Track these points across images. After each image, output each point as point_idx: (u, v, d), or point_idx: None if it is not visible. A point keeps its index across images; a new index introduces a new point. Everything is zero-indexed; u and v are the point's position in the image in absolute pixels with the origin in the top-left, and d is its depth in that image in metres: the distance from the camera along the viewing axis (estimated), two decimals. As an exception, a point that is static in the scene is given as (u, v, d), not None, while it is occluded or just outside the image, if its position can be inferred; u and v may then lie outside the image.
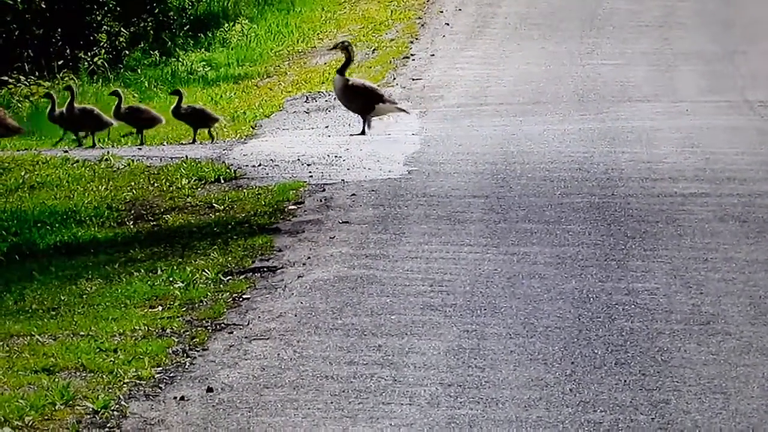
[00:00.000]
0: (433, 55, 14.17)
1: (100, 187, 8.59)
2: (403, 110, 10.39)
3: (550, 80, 12.72)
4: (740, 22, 15.14)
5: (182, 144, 10.37)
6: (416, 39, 14.89)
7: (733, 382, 5.07)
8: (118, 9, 14.60)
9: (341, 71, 10.13)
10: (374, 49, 14.57)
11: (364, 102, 9.98)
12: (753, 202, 7.58)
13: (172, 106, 10.38)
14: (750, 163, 8.73)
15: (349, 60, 10.19)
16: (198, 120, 10.33)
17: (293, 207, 7.73)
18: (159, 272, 6.59)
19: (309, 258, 6.65)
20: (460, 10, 16.15)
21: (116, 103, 10.36)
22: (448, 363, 5.20)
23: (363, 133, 10.09)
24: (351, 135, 10.12)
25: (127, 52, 14.48)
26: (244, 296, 6.18)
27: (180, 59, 14.62)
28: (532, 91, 12.33)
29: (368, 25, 15.76)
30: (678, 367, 5.19)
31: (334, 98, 12.48)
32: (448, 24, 15.53)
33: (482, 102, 11.84)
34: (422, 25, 15.49)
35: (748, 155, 9.01)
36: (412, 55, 14.18)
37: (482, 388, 4.98)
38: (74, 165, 9.25)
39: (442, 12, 16.09)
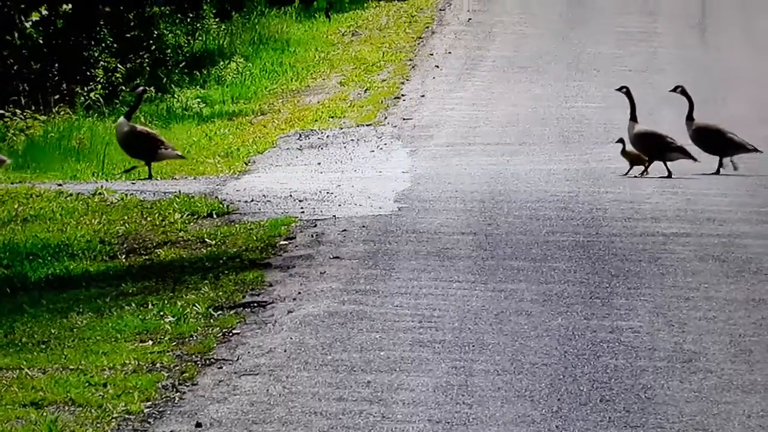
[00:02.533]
0: (423, 95, 14.36)
1: (93, 220, 8.64)
2: (182, 156, 10.51)
3: (537, 121, 12.91)
4: (718, 69, 15.44)
5: (175, 179, 10.47)
6: (407, 80, 15.10)
7: (714, 419, 5.13)
8: (115, 45, 14.76)
9: (128, 115, 10.33)
10: (366, 89, 14.77)
11: (147, 148, 10.17)
12: (732, 242, 7.70)
13: None
14: (729, 204, 8.86)
15: (138, 105, 10.41)
16: None
17: (285, 242, 7.79)
18: (150, 306, 6.62)
19: (299, 293, 6.70)
20: (449, 52, 16.40)
21: None
22: (436, 399, 5.25)
23: (150, 177, 10.24)
24: (139, 180, 10.13)
25: (123, 87, 14.62)
26: (234, 331, 6.21)
27: (175, 95, 14.77)
28: (518, 131, 12.50)
29: (360, 65, 15.97)
30: (661, 404, 5.25)
31: (327, 136, 12.64)
32: (438, 66, 15.75)
33: (471, 141, 12.00)
34: (413, 67, 15.71)
35: (727, 197, 9.14)
36: (403, 95, 14.37)
37: (470, 424, 5.02)
38: (68, 198, 9.29)
39: (432, 54, 16.32)
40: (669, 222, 8.25)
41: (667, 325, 6.21)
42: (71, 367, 5.77)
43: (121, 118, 10.35)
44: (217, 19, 16.64)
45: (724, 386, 5.44)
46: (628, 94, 9.87)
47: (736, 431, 5.03)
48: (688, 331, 6.12)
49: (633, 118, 9.85)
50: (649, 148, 9.78)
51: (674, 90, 10.04)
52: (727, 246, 7.61)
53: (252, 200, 9.11)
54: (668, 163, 9.78)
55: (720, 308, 6.46)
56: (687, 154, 9.80)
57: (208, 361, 5.82)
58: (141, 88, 10.76)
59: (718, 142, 9.83)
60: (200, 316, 6.49)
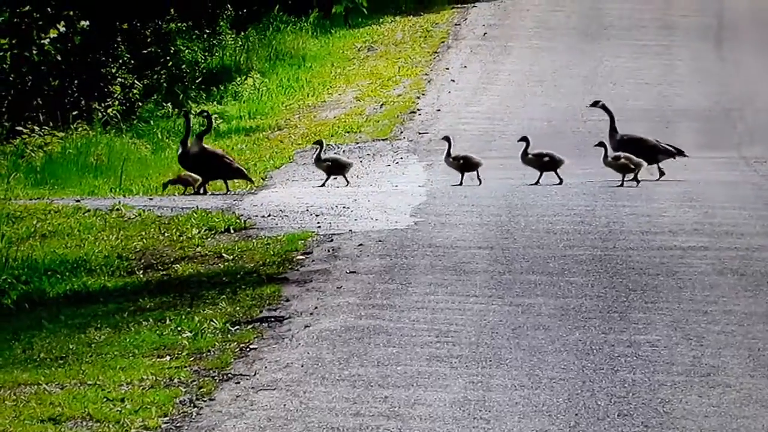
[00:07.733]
0: (439, 110, 14.39)
1: (110, 236, 8.70)
2: None
3: (553, 135, 12.90)
4: (736, 82, 15.39)
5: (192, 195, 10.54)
6: (423, 94, 15.15)
7: (733, 434, 5.12)
8: (133, 62, 14.87)
9: None
10: (382, 104, 14.81)
11: None
12: (750, 255, 7.68)
13: None
14: (747, 217, 8.85)
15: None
16: None
17: (301, 257, 7.82)
18: (168, 322, 6.66)
19: (316, 308, 6.72)
20: (465, 67, 16.43)
21: None
22: (453, 415, 5.24)
23: None
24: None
25: (140, 103, 14.71)
26: (251, 346, 6.24)
27: (192, 111, 14.84)
28: (534, 145, 12.50)
29: (376, 80, 16.02)
30: (680, 418, 5.23)
31: (343, 150, 12.68)
32: (453, 80, 15.79)
33: (486, 156, 12.00)
34: (429, 81, 15.76)
35: (745, 210, 9.12)
36: (418, 109, 14.40)
37: (487, 440, 5.03)
38: (86, 214, 9.36)
39: (448, 69, 16.37)
40: (687, 235, 8.23)
41: (686, 339, 6.19)
42: (89, 382, 5.80)
43: None
44: (233, 35, 16.73)
45: (743, 400, 5.41)
46: (208, 117, 10.58)
47: (755, 446, 5.00)
48: (706, 345, 6.10)
49: (196, 135, 10.45)
50: (211, 169, 10.29)
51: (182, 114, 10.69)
52: (745, 259, 7.59)
53: (269, 215, 9.13)
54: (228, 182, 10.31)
55: (738, 322, 6.44)
56: (244, 175, 10.30)
57: (225, 377, 5.84)
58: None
59: (216, 166, 10.31)
60: (218, 331, 6.51)
